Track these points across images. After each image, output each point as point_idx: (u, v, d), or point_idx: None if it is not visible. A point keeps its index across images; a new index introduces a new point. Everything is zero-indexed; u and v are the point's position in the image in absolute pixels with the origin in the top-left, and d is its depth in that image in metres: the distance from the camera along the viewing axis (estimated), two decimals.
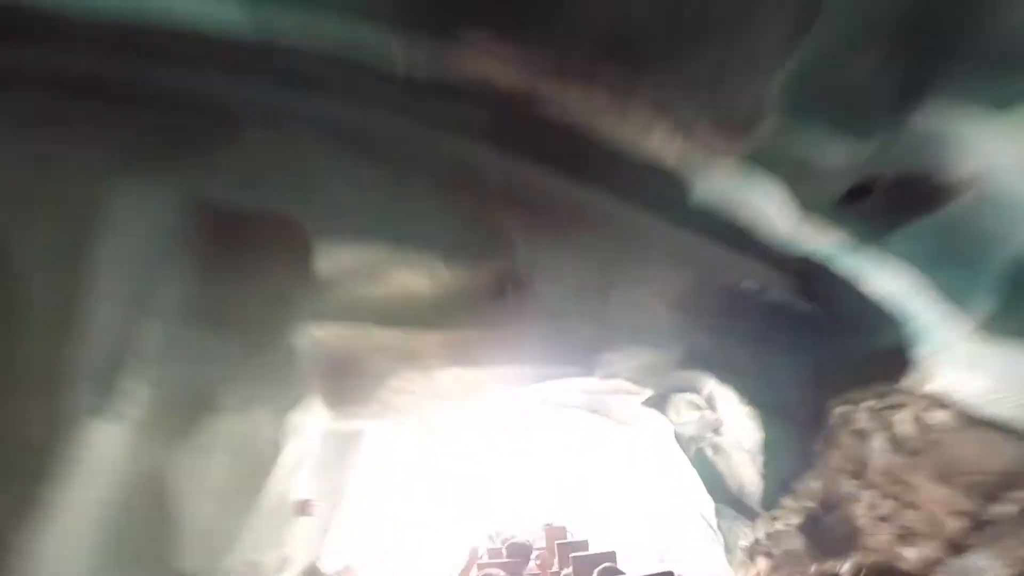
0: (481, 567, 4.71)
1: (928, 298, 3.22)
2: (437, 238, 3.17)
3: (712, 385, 5.00)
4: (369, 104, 2.61)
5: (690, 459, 5.63)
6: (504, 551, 5.21)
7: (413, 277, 3.24)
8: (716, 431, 5.36)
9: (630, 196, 3.34)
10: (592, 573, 3.95)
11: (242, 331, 2.84)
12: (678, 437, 5.75)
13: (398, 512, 7.17)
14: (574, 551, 5.65)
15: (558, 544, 6.23)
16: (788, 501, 4.65)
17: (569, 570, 5.42)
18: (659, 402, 5.73)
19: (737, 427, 4.98)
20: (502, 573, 4.07)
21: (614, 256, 3.75)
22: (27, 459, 2.20)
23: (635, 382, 5.08)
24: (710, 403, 5.25)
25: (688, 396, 5.45)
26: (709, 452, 5.53)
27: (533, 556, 5.48)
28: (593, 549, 5.72)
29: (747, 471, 5.04)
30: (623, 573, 4.17)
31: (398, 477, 6.77)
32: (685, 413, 5.60)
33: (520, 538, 5.61)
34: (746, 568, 5.02)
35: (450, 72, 2.48)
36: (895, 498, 3.75)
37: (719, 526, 5.46)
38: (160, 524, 2.70)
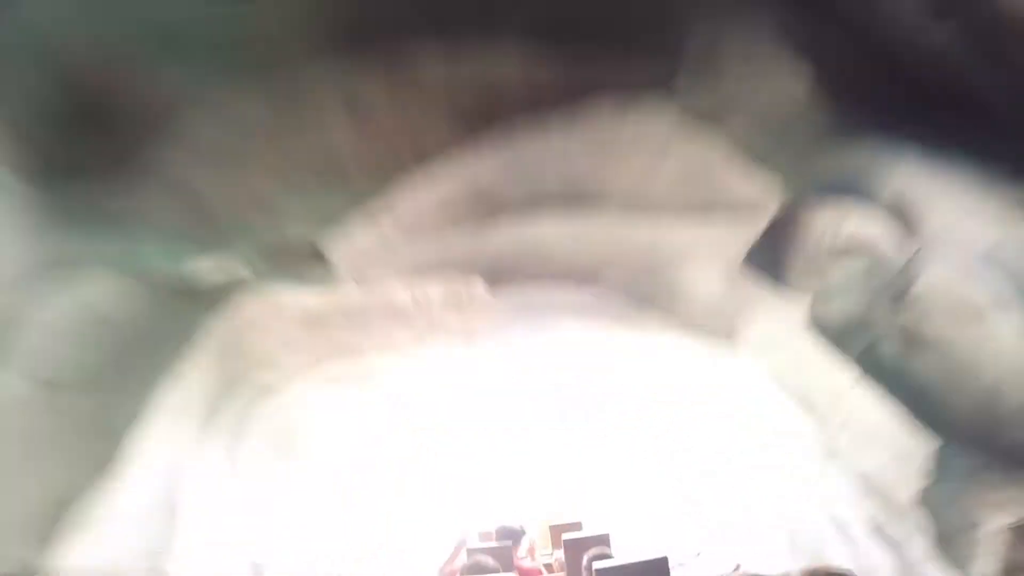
0: (470, 552, 4.58)
1: None
2: None
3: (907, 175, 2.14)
4: None
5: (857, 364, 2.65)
6: (494, 534, 5.09)
7: None
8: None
9: None
10: (583, 557, 3.81)
11: None
12: (819, 320, 2.73)
13: (390, 507, 7.04)
14: (566, 532, 5.34)
15: (550, 526, 6.06)
16: None
17: (560, 552, 5.09)
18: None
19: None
20: (490, 559, 3.94)
21: None
22: None
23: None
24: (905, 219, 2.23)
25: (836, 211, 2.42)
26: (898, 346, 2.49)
27: (524, 540, 5.36)
28: (587, 532, 5.31)
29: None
30: (613, 557, 4.00)
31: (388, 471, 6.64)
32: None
33: (510, 522, 5.49)
34: None
35: None
36: None
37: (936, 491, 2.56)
38: None
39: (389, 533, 6.97)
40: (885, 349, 2.57)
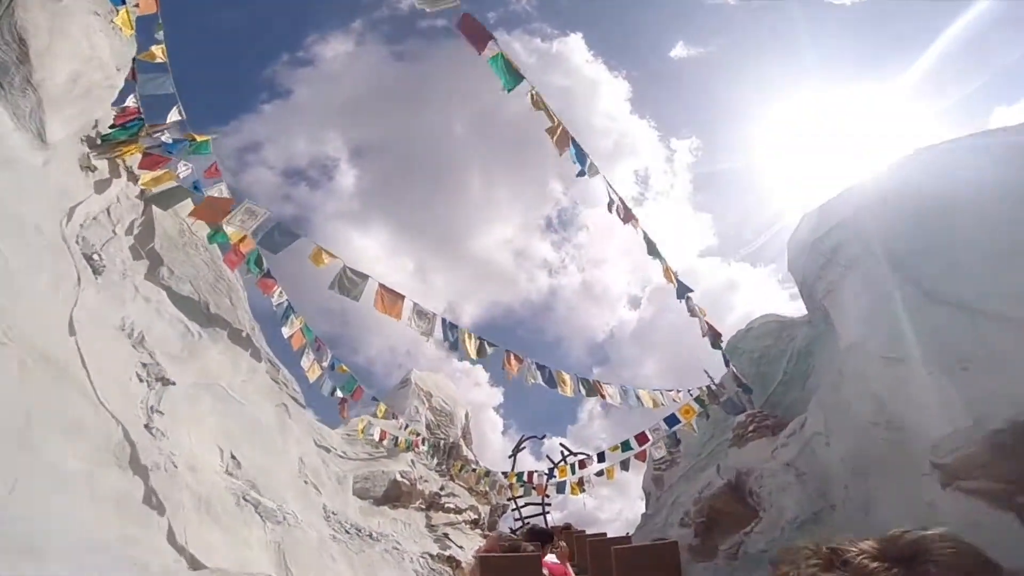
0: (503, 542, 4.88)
1: None
2: None
3: None
4: None
5: None
6: (524, 536, 5.38)
7: None
8: None
9: None
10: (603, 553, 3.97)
11: None
12: None
13: None
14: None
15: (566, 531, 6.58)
16: None
17: None
18: None
19: None
20: (530, 546, 4.05)
21: None
22: None
23: None
24: None
25: None
26: None
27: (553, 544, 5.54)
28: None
29: None
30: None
31: None
32: None
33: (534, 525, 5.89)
34: None
35: None
36: None
37: None
38: None
39: None
40: None
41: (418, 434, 17.04)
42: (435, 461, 18.31)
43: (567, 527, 11.98)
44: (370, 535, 10.54)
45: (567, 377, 10.34)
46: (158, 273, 8.66)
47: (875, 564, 0.66)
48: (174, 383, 7.85)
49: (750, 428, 12.38)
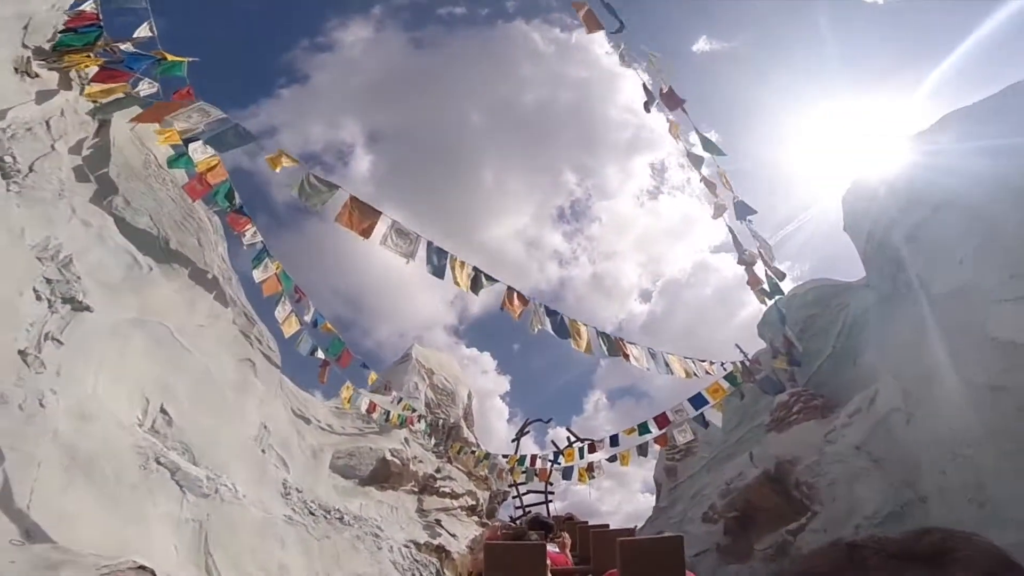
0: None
1: None
2: None
3: None
4: None
5: None
6: (526, 525, 5.28)
7: None
8: None
9: None
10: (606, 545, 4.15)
11: None
12: None
13: None
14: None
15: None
16: None
17: None
18: None
19: None
20: (535, 534, 4.21)
21: None
22: None
23: None
24: None
25: None
26: None
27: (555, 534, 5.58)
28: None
29: None
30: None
31: None
32: None
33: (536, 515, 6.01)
34: None
35: None
36: None
37: None
38: None
39: None
40: None
41: (414, 410, 15.29)
42: (432, 441, 16.59)
43: (569, 517, 10.53)
44: (341, 518, 8.82)
45: (583, 328, 8.51)
46: (110, 201, 7.53)
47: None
48: (91, 311, 6.19)
49: (794, 410, 10.48)
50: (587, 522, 8.91)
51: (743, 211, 8.61)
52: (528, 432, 18.19)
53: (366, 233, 7.32)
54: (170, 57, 8.26)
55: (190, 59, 8.43)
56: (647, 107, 8.42)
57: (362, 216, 7.30)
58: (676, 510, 14.30)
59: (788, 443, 9.66)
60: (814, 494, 7.95)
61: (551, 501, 15.00)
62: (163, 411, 6.70)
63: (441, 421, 17.80)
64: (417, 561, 10.05)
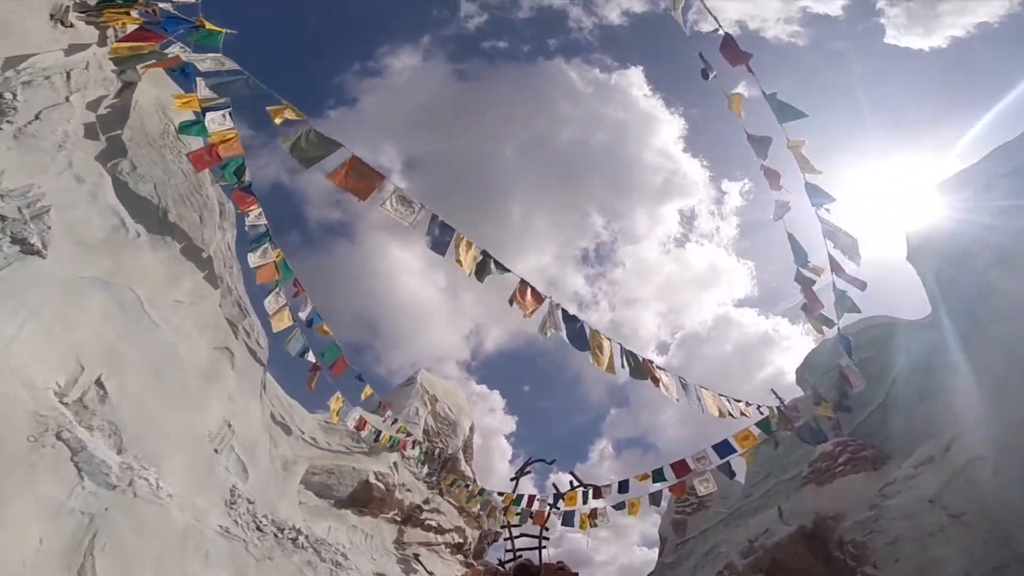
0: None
1: None
2: None
3: None
4: None
5: None
6: (511, 571, 4.14)
7: None
8: None
9: None
10: None
11: None
12: None
13: None
14: None
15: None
16: None
17: None
18: None
19: None
20: None
21: None
22: None
23: None
24: None
25: None
26: None
27: None
28: None
29: None
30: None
31: None
32: None
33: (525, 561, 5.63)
34: None
35: None
36: None
37: None
38: None
39: None
40: None
41: (409, 434, 14.12)
42: (425, 470, 15.33)
43: (561, 566, 9.47)
44: (295, 539, 7.67)
45: (605, 342, 7.37)
46: (116, 164, 7.19)
47: None
48: (43, 257, 5.46)
49: (839, 461, 9.07)
50: (577, 574, 8.59)
51: (818, 197, 7.15)
52: (529, 472, 16.76)
53: (362, 194, 6.73)
54: (208, 25, 7.81)
55: (228, 30, 7.99)
56: (704, 74, 7.41)
57: (360, 177, 6.71)
58: (684, 567, 12.64)
59: (831, 497, 8.28)
60: (866, 554, 6.59)
61: (544, 547, 13.50)
62: (99, 384, 5.80)
63: (438, 450, 16.56)
64: None
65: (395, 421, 13.57)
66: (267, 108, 6.93)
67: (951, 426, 7.40)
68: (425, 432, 17.02)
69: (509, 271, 7.16)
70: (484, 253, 7.05)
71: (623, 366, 7.67)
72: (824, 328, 8.83)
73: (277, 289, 9.72)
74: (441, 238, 6.91)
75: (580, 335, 7.34)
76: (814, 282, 8.62)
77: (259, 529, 7.12)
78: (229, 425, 7.98)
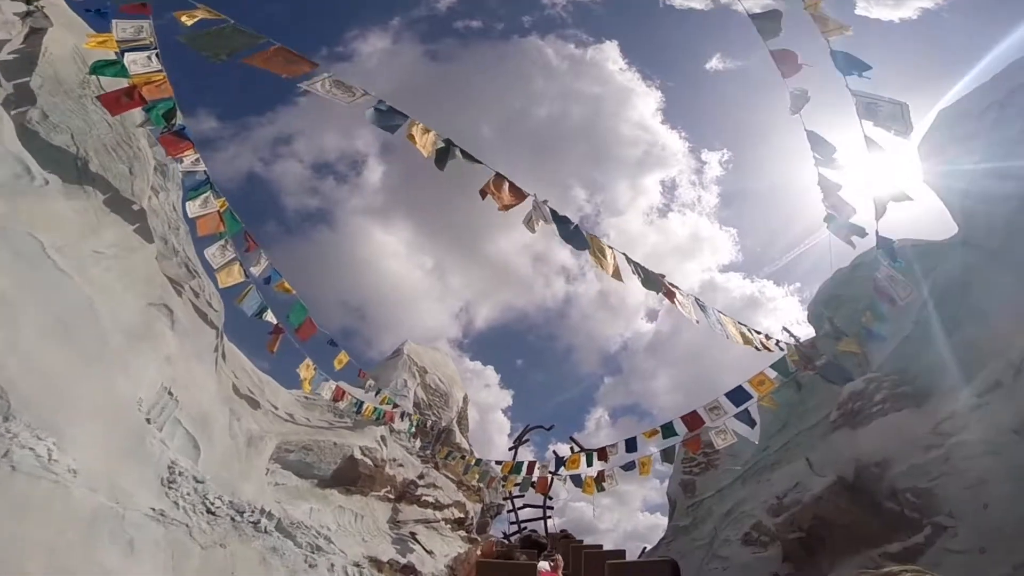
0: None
1: None
2: None
3: None
4: None
5: None
6: (519, 543, 5.55)
7: None
8: None
9: None
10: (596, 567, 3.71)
11: None
12: None
13: None
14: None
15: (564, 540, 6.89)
16: None
17: None
18: None
19: None
20: (523, 555, 3.92)
21: None
22: None
23: None
24: None
25: None
26: None
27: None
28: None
29: None
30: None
31: None
32: None
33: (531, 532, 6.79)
34: None
35: None
36: None
37: None
38: None
39: None
40: None
41: (395, 404, 12.85)
42: (418, 444, 14.11)
43: (565, 534, 8.65)
44: (257, 523, 6.39)
45: (608, 248, 6.14)
46: (24, 113, 6.47)
47: None
48: None
49: (876, 399, 7.93)
50: (582, 541, 8.13)
51: (850, 64, 5.76)
52: (527, 441, 15.61)
53: (290, 72, 5.79)
54: None
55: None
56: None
57: (287, 62, 5.75)
58: (703, 531, 11.57)
59: (871, 441, 7.17)
60: (933, 503, 5.45)
61: (550, 517, 12.43)
62: None
63: (430, 423, 15.33)
64: None
65: (379, 391, 12.29)
66: (175, 13, 5.96)
67: (1006, 348, 6.27)
68: (416, 405, 15.77)
69: (480, 163, 5.87)
70: (448, 141, 5.77)
71: (634, 273, 6.44)
72: (855, 239, 7.63)
73: (223, 241, 8.33)
74: (390, 119, 5.67)
75: (576, 235, 6.11)
76: (839, 187, 7.41)
77: (210, 512, 5.81)
78: (169, 392, 6.64)
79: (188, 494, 5.70)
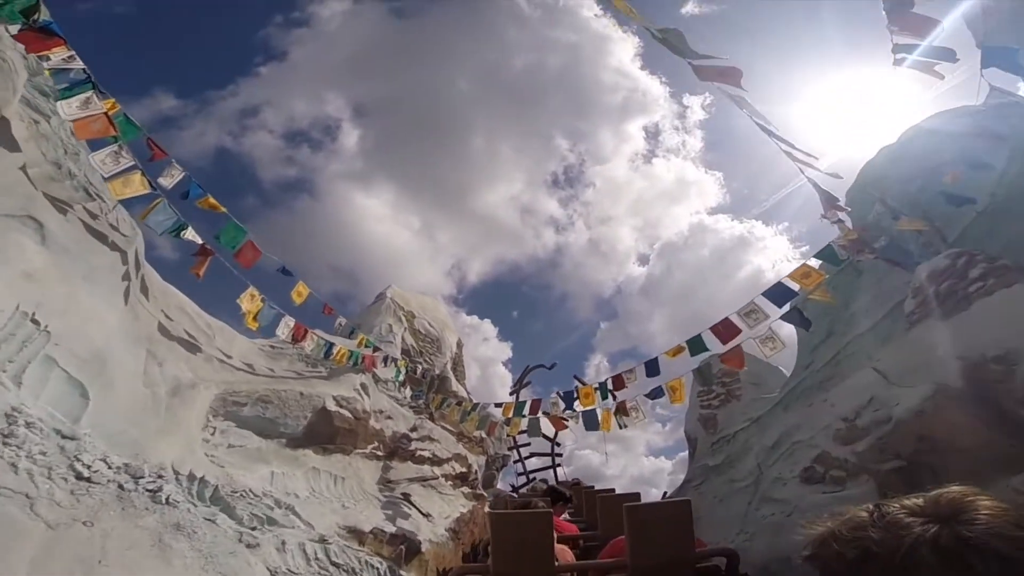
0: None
1: None
2: None
3: None
4: None
5: None
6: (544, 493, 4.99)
7: None
8: None
9: None
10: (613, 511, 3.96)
11: None
12: None
13: None
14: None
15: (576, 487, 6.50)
16: None
17: None
18: None
19: None
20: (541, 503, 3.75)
21: None
22: None
23: None
24: None
25: None
26: None
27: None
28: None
29: None
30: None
31: None
32: None
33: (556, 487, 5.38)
34: None
35: None
36: None
37: None
38: None
39: None
40: None
41: (376, 348, 10.95)
42: (409, 393, 12.30)
43: (576, 482, 8.11)
44: (156, 492, 4.48)
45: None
46: None
47: (910, 519, 0.60)
48: None
49: (971, 276, 6.12)
50: (593, 487, 7.44)
51: None
52: (529, 383, 13.83)
53: None
54: None
55: None
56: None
57: None
58: (741, 469, 9.86)
59: (979, 330, 5.33)
60: None
61: (559, 465, 10.82)
62: None
63: (421, 369, 13.49)
64: (336, 564, 5.71)
65: (353, 331, 10.36)
66: None
67: None
68: (405, 352, 13.87)
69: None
70: None
71: None
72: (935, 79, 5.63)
73: (116, 146, 6.28)
74: None
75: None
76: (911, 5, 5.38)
77: (81, 479, 3.90)
78: (34, 321, 4.65)
79: (41, 454, 3.77)
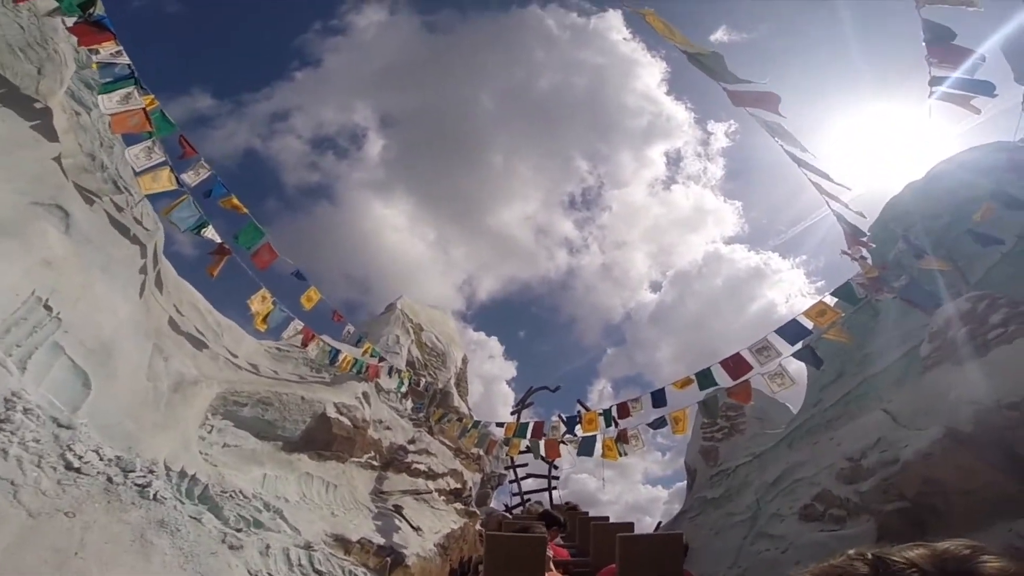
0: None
1: None
2: None
3: None
4: None
5: None
6: (536, 518, 4.93)
7: None
8: None
9: None
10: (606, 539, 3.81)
11: None
12: None
13: None
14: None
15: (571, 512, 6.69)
16: None
17: None
18: None
19: None
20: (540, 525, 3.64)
21: None
22: None
23: None
24: None
25: None
26: None
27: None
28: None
29: None
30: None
31: None
32: None
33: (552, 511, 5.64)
34: None
35: None
36: None
37: None
38: None
39: None
40: None
41: (381, 357, 10.93)
42: (410, 405, 12.23)
43: (571, 506, 8.05)
44: (145, 486, 4.45)
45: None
46: None
47: (914, 573, 0.55)
48: None
49: (991, 322, 5.96)
50: (587, 513, 7.58)
51: None
52: (531, 404, 13.68)
53: None
54: None
55: None
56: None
57: None
58: (739, 503, 9.62)
59: (997, 377, 5.17)
60: None
61: (555, 488, 10.62)
62: None
63: (424, 382, 13.41)
64: (319, 572, 5.61)
65: (360, 339, 10.35)
66: None
67: None
68: (410, 364, 13.84)
69: None
70: None
71: None
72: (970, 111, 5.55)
73: (149, 142, 6.43)
74: None
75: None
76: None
77: (70, 468, 3.88)
78: (47, 307, 4.70)
79: (33, 442, 3.76)
